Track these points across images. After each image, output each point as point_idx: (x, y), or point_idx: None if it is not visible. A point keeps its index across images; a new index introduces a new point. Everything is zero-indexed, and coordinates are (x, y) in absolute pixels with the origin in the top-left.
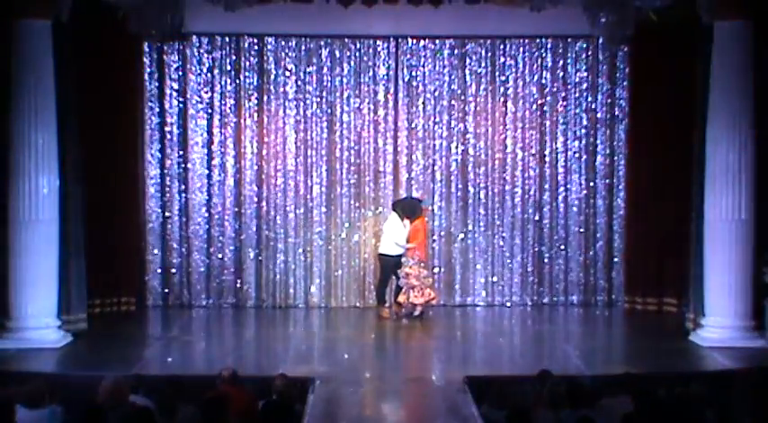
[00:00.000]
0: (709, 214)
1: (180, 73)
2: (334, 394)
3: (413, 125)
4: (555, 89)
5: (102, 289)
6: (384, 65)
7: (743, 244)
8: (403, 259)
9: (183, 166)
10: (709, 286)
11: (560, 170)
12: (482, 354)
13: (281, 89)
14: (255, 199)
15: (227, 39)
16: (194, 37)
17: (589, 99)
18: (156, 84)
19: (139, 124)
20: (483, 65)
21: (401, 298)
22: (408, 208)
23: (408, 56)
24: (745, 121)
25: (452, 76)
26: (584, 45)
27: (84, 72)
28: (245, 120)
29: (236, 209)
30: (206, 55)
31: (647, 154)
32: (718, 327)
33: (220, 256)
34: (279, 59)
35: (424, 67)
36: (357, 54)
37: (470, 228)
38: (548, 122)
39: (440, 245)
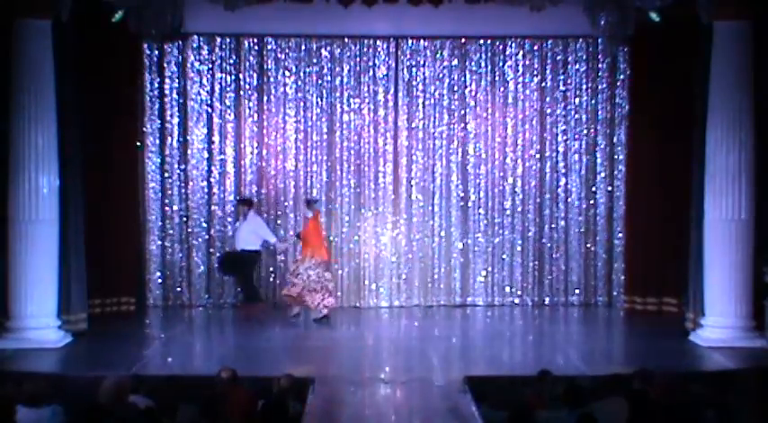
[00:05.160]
0: (709, 214)
1: (180, 73)
2: (334, 394)
3: (413, 125)
4: (555, 89)
5: (102, 289)
6: (384, 65)
7: (743, 244)
8: (299, 256)
9: (182, 166)
10: (709, 286)
11: (560, 170)
12: (482, 354)
13: (281, 89)
14: (255, 199)
15: (227, 39)
16: (194, 37)
17: (589, 99)
18: (157, 84)
19: (139, 124)
20: (483, 65)
21: (300, 296)
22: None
23: (408, 56)
24: (745, 121)
25: (452, 76)
26: (585, 45)
27: (84, 72)
28: (245, 120)
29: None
30: (206, 55)
31: (647, 154)
32: (718, 327)
33: (220, 256)
34: (279, 59)
35: (424, 67)
36: (357, 54)
37: (470, 227)
38: (548, 122)
39: (440, 245)
